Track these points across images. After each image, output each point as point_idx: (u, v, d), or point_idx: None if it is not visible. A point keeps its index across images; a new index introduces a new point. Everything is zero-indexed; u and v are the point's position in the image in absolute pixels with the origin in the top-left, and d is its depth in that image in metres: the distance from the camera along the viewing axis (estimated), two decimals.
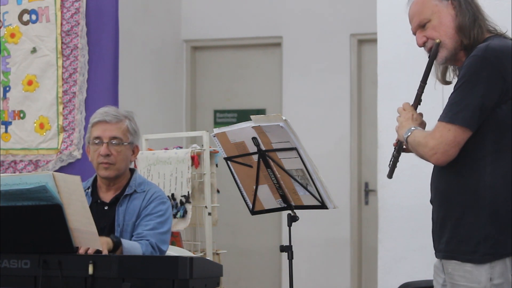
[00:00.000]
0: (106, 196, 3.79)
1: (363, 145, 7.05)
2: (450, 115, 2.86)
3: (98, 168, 3.74)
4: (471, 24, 2.97)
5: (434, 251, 3.04)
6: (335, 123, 7.03)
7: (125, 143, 3.73)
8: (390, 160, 3.13)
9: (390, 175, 3.15)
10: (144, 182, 3.82)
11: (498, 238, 2.85)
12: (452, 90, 2.96)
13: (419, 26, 3.04)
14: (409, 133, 2.97)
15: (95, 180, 3.84)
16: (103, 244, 3.31)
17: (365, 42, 7.07)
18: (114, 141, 3.71)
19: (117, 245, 3.41)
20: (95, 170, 3.79)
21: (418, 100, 3.09)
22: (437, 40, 2.99)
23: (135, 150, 3.82)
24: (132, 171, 3.84)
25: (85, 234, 3.13)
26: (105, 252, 3.30)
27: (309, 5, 7.18)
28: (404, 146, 3.10)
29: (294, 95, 7.20)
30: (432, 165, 3.03)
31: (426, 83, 3.08)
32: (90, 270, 3.06)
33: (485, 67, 2.84)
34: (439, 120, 2.90)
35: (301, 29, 7.21)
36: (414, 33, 3.08)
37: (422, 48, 3.08)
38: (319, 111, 7.05)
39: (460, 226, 2.90)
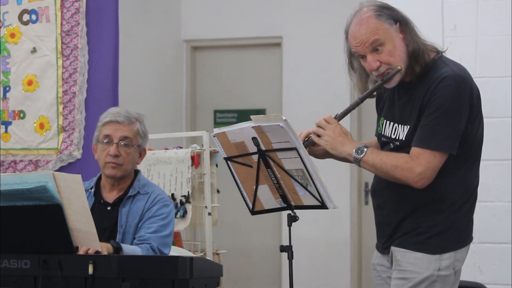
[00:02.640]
0: (109, 196, 3.79)
1: None
2: (435, 142, 2.99)
3: (105, 167, 3.73)
4: (420, 49, 3.07)
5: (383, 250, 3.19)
6: None
7: (134, 145, 3.73)
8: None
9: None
10: (148, 184, 3.82)
11: (449, 235, 3.06)
12: None
13: (373, 49, 3.07)
14: (363, 154, 3.09)
15: (98, 179, 3.83)
16: (103, 248, 3.30)
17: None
18: (124, 142, 3.71)
19: (117, 250, 3.40)
20: (101, 169, 3.78)
21: (344, 114, 3.28)
22: (399, 67, 3.05)
23: (142, 153, 3.82)
24: (136, 172, 3.84)
25: (85, 234, 3.13)
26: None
27: (309, 5, 7.18)
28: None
29: (294, 95, 7.20)
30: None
31: (362, 102, 3.22)
32: (90, 270, 3.05)
33: (460, 96, 3.00)
34: (420, 146, 3.01)
35: (301, 29, 7.21)
36: (362, 55, 3.11)
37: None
38: (319, 111, 7.03)
39: (415, 223, 3.08)
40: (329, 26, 7.10)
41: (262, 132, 3.08)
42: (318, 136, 3.20)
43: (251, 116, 3.10)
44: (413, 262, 3.06)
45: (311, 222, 6.71)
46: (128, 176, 3.78)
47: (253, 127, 3.09)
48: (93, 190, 3.79)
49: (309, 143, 3.21)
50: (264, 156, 3.12)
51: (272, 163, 3.13)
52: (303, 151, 3.06)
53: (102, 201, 3.78)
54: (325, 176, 3.14)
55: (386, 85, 3.12)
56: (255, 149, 3.13)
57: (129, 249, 3.47)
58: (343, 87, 7.05)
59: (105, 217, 3.71)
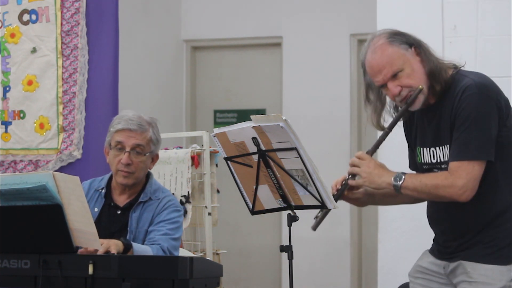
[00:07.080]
0: (120, 199, 3.74)
1: (363, 145, 7.04)
2: (472, 152, 2.96)
3: (117, 174, 3.68)
4: (437, 68, 3.07)
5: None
6: (335, 123, 7.03)
7: (147, 153, 3.69)
8: (319, 213, 3.22)
9: (315, 228, 3.28)
10: (159, 188, 3.78)
11: None
12: None
13: (392, 77, 3.07)
14: (402, 181, 3.06)
15: (109, 180, 3.79)
16: (112, 246, 3.28)
17: (365, 42, 7.05)
18: (136, 150, 3.66)
19: (127, 247, 3.37)
20: (113, 174, 3.73)
21: (376, 148, 3.22)
22: (420, 86, 3.06)
23: (154, 158, 3.77)
24: (148, 176, 3.78)
25: (85, 234, 3.13)
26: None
27: (309, 5, 7.18)
28: (349, 186, 3.23)
29: (294, 95, 7.20)
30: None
31: (391, 131, 3.17)
32: (90, 270, 3.05)
33: (486, 102, 2.97)
34: (457, 159, 2.99)
35: (301, 29, 7.21)
36: (383, 84, 3.11)
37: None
38: (319, 111, 7.05)
39: (483, 237, 3.04)
40: (329, 26, 7.10)
41: (262, 132, 3.08)
42: (354, 176, 3.18)
43: (251, 116, 3.10)
44: (484, 273, 3.00)
45: (311, 222, 6.70)
46: (139, 181, 3.75)
47: (253, 127, 3.09)
48: (104, 191, 3.75)
49: (345, 187, 3.21)
50: (264, 156, 3.12)
51: (272, 163, 3.13)
52: (303, 151, 3.07)
53: (112, 204, 3.73)
54: (325, 176, 3.14)
55: (411, 108, 3.11)
56: (255, 149, 3.13)
57: (139, 247, 3.44)
58: (343, 87, 7.06)
59: (115, 221, 3.68)
